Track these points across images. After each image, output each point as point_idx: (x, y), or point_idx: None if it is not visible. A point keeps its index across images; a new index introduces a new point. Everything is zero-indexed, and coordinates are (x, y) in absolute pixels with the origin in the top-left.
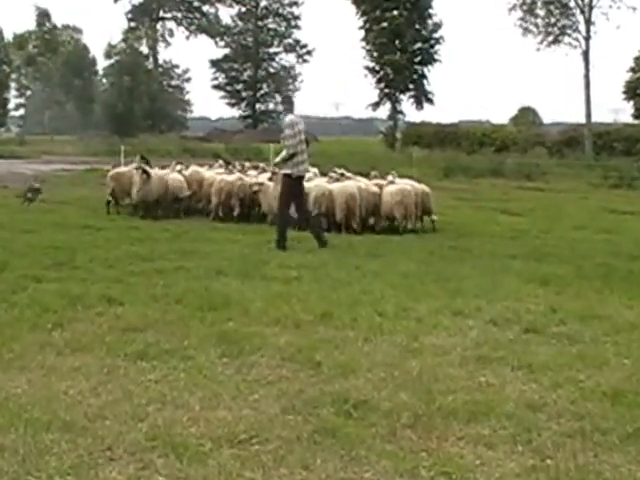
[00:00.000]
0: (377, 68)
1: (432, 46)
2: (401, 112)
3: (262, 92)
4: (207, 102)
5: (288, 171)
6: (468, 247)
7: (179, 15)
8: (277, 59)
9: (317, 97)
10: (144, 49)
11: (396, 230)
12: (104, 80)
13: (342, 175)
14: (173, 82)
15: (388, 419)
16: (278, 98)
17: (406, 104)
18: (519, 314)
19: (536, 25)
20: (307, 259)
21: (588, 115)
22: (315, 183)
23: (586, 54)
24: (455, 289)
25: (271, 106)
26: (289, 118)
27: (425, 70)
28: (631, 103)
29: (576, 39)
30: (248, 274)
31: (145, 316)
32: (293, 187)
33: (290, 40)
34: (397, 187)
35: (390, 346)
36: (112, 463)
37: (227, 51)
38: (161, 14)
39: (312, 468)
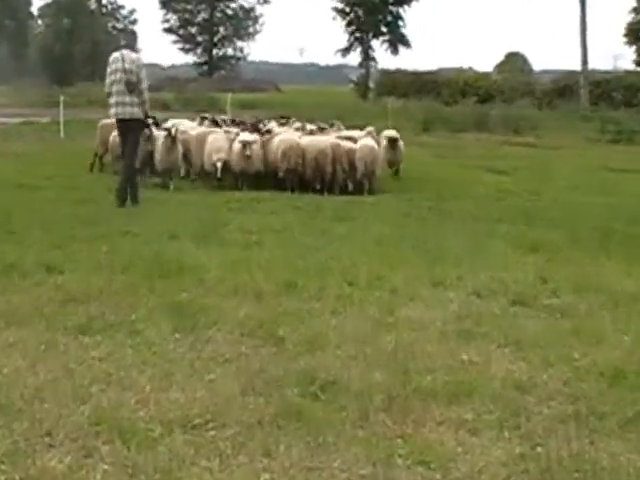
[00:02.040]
0: (347, 9)
1: None
2: (373, 59)
3: (219, 36)
4: (157, 47)
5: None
6: (449, 209)
7: None
8: None
9: (280, 41)
10: None
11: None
12: (40, 22)
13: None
14: (118, 25)
15: (359, 401)
16: (238, 43)
17: (379, 50)
18: (506, 284)
19: None
20: (269, 222)
21: (584, 61)
22: (283, 136)
23: None
24: (434, 256)
25: (230, 51)
26: (112, 56)
27: (400, 10)
28: (633, 48)
29: None
30: (204, 238)
31: (88, 286)
32: (118, 131)
33: None
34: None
35: (361, 319)
36: (51, 450)
37: None
38: None
39: (274, 455)
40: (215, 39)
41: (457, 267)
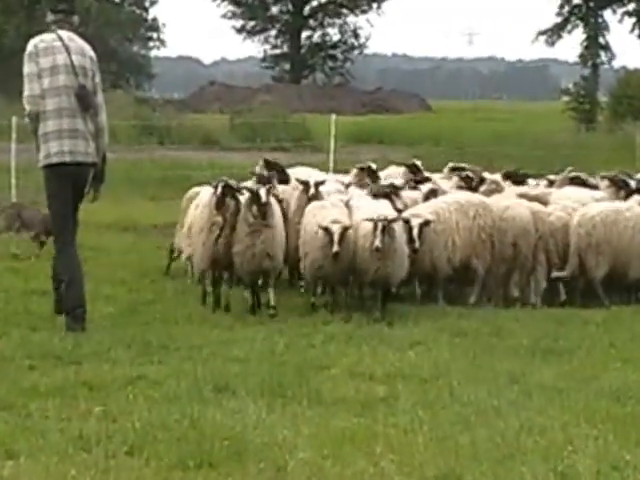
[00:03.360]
0: None
1: None
2: (607, 48)
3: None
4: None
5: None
6: None
7: None
8: None
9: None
10: None
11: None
12: None
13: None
14: None
15: None
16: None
17: (618, 31)
18: None
19: None
20: (408, 361)
21: None
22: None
23: None
24: None
25: (332, 33)
26: (40, 41)
27: None
28: None
29: None
30: (282, 392)
31: None
32: (54, 190)
33: None
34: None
35: None
36: None
37: None
38: None
39: None
40: (306, 10)
41: None
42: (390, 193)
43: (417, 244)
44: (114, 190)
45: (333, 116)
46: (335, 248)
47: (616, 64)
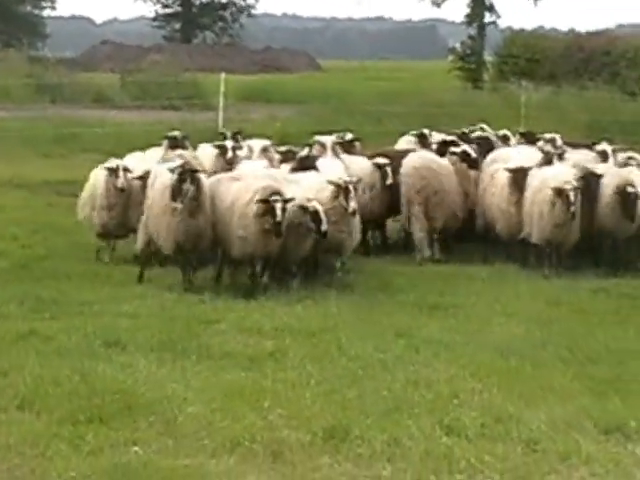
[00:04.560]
0: None
1: None
2: (492, 9)
3: None
4: None
5: None
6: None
7: None
8: None
9: None
10: None
11: None
12: None
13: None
14: None
15: None
16: None
17: None
18: None
19: None
20: (296, 316)
21: None
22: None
23: None
24: (606, 377)
25: None
26: None
27: None
28: None
29: None
30: (172, 347)
31: None
32: None
33: None
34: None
35: None
36: None
37: None
38: None
39: None
40: None
41: None
42: (312, 166)
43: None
44: (7, 148)
45: (222, 75)
46: (324, 227)
47: (502, 24)
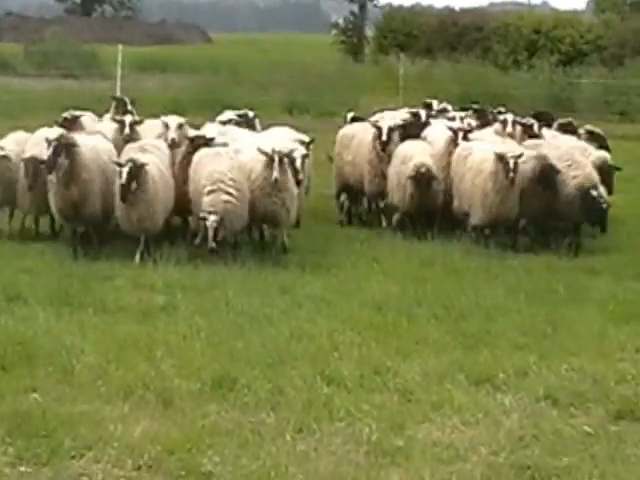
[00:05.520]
0: None
1: None
2: None
3: None
4: None
5: None
6: (501, 254)
7: None
8: None
9: None
10: None
11: None
12: None
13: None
14: None
15: None
16: None
17: None
18: (603, 384)
19: None
20: (187, 272)
21: None
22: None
23: None
24: (476, 333)
25: None
26: None
27: None
28: None
29: None
30: (70, 301)
31: None
32: None
33: None
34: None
35: (348, 443)
36: None
37: None
38: None
39: None
40: None
41: (518, 352)
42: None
43: (301, 175)
44: None
45: (120, 46)
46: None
47: (382, 1)
